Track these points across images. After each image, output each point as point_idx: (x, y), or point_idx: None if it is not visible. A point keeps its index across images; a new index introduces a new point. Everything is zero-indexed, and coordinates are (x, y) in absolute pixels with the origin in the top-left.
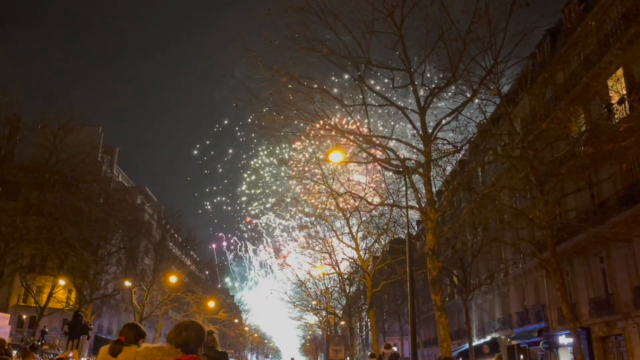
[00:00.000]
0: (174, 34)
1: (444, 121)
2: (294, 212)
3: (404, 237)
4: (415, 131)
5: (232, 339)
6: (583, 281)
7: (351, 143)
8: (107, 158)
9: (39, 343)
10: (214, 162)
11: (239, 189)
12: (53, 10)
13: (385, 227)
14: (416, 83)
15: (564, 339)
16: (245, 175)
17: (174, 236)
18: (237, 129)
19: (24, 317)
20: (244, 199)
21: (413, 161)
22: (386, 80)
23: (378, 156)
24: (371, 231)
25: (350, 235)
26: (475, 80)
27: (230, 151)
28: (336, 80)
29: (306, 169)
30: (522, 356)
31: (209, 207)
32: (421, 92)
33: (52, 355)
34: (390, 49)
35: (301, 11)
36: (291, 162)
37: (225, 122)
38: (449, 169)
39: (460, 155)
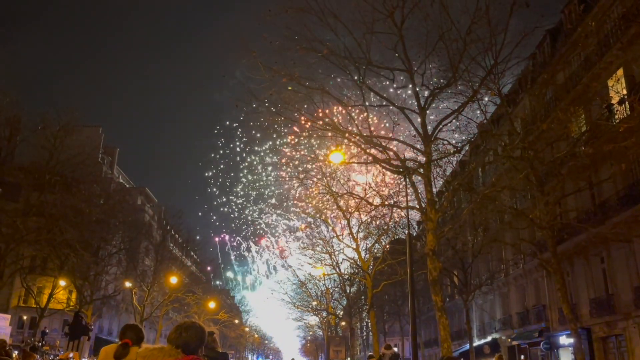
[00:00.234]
0: (175, 35)
1: (444, 122)
2: (296, 212)
3: (404, 238)
4: (415, 132)
5: (233, 340)
6: (583, 281)
7: (352, 143)
8: (108, 159)
9: (40, 344)
10: (214, 162)
11: (239, 189)
12: (54, 10)
13: (385, 227)
14: (416, 83)
15: (564, 339)
16: (245, 175)
17: (175, 237)
18: (238, 131)
19: (25, 318)
20: (241, 200)
21: (413, 162)
22: (386, 83)
23: (378, 157)
24: (372, 232)
25: (350, 236)
26: (476, 80)
27: (231, 149)
28: (337, 80)
29: (307, 166)
30: (522, 356)
31: (209, 209)
32: (425, 93)
33: (52, 356)
34: (391, 50)
35: (301, 12)
36: (288, 161)
37: (227, 122)
38: (449, 169)
39: (461, 155)
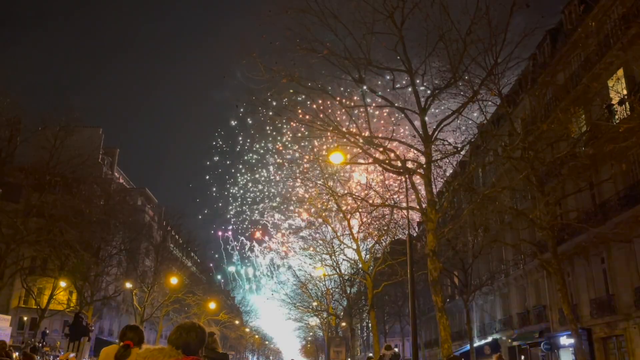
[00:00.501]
0: (176, 36)
1: (444, 122)
2: (296, 212)
3: (404, 238)
4: (415, 132)
5: (233, 341)
6: (584, 282)
7: (352, 144)
8: (108, 159)
9: (40, 345)
10: (215, 162)
11: (239, 190)
12: (54, 12)
13: (386, 228)
14: (417, 84)
15: (565, 340)
16: (245, 174)
17: (175, 238)
18: (239, 131)
19: (25, 318)
20: (238, 201)
21: (413, 162)
22: (386, 83)
23: (379, 157)
24: (372, 232)
25: (351, 237)
26: (476, 81)
27: (231, 149)
28: (337, 81)
29: (307, 166)
30: (523, 357)
31: (209, 209)
32: (426, 92)
33: (52, 357)
34: (391, 50)
35: (302, 12)
36: (291, 160)
37: (227, 123)
38: (449, 169)
39: (461, 156)
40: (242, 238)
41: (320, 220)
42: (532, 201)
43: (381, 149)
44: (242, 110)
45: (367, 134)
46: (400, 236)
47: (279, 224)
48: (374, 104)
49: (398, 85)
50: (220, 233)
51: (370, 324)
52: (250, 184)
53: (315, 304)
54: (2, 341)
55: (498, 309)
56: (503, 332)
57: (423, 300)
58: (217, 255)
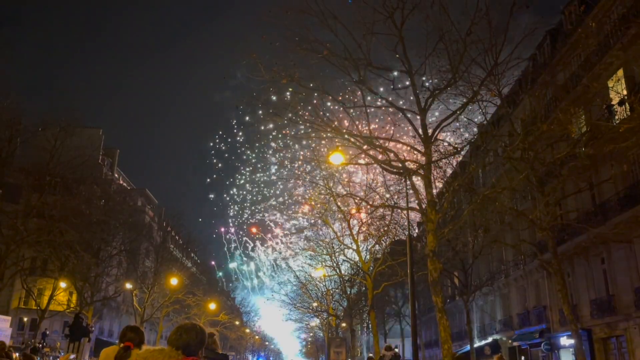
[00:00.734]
0: (176, 36)
1: (444, 123)
2: (296, 212)
3: (404, 239)
4: (415, 132)
5: (234, 341)
6: (584, 282)
7: (352, 144)
8: (108, 160)
9: (40, 345)
10: (215, 162)
11: (240, 190)
12: (54, 12)
13: (386, 228)
14: (416, 84)
15: (565, 340)
16: (245, 174)
17: (175, 238)
18: (237, 131)
19: (25, 319)
20: (237, 202)
21: (413, 163)
22: (386, 84)
23: (379, 158)
24: (372, 233)
25: (351, 237)
26: (476, 81)
27: (232, 149)
28: (337, 81)
29: (307, 167)
30: (523, 358)
31: (209, 209)
32: (426, 93)
33: (52, 358)
34: (391, 51)
35: (302, 13)
36: (291, 160)
37: (228, 123)
38: (449, 170)
39: (461, 156)
40: (245, 238)
41: (320, 221)
42: (532, 202)
43: (381, 150)
44: (241, 110)
45: (367, 134)
46: (401, 237)
47: (280, 223)
48: (374, 105)
49: (399, 86)
50: (222, 229)
51: (370, 325)
52: (250, 184)
53: (315, 304)
54: (2, 342)
55: (498, 309)
56: (503, 333)
57: (423, 301)
58: (214, 255)
